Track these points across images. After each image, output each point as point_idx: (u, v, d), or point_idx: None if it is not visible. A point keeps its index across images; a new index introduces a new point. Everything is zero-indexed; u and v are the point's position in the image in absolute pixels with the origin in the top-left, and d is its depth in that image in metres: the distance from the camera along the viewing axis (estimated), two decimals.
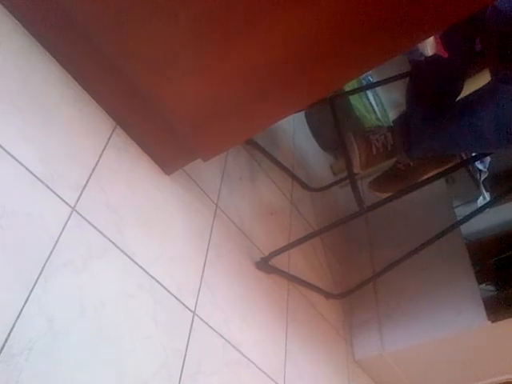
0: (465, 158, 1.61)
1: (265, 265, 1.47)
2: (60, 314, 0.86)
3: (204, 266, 1.25)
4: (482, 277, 1.82)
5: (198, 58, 1.00)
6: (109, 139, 1.11)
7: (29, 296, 0.82)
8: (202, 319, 1.17)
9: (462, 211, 1.97)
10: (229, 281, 1.32)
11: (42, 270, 0.86)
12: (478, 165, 2.21)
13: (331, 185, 2.02)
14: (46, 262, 0.87)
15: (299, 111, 1.93)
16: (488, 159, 2.21)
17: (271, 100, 1.09)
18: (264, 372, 1.31)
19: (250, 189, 1.62)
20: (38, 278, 0.85)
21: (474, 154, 1.62)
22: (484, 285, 1.96)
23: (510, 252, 2.16)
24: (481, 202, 2.25)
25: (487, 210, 1.68)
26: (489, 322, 1.62)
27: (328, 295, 1.78)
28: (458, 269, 1.79)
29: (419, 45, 1.29)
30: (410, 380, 1.96)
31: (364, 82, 2.14)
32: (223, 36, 0.96)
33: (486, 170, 2.24)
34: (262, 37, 0.96)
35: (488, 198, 2.24)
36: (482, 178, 2.25)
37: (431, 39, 1.27)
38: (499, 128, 1.20)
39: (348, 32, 0.95)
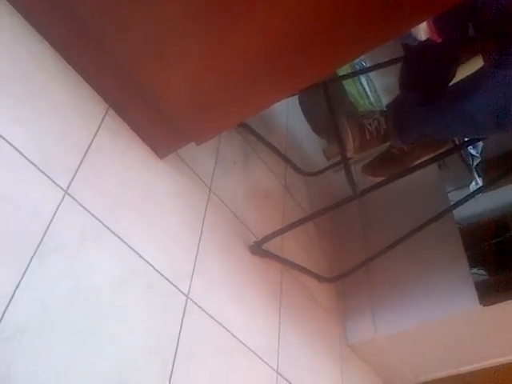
0: (458, 143, 1.61)
1: (258, 249, 1.47)
2: (53, 298, 0.86)
3: (197, 249, 1.25)
4: (474, 261, 1.83)
5: (191, 41, 0.99)
6: (101, 122, 1.10)
7: (21, 280, 0.82)
8: (195, 303, 1.17)
9: (454, 196, 1.98)
10: (222, 264, 1.32)
11: (35, 253, 0.86)
12: (471, 150, 2.21)
13: (325, 169, 2.02)
14: (38, 246, 0.87)
15: (293, 95, 1.92)
16: (480, 144, 2.22)
17: (265, 83, 1.08)
18: (257, 355, 1.32)
19: (243, 173, 1.62)
20: (30, 262, 0.84)
21: (466, 139, 1.63)
22: (476, 269, 1.98)
23: (502, 237, 2.17)
24: (473, 187, 2.26)
25: (480, 194, 1.69)
26: (480, 306, 1.63)
27: (321, 279, 1.78)
28: (451, 253, 1.80)
29: (413, 29, 1.28)
30: (402, 363, 1.98)
31: (358, 67, 2.13)
32: (217, 19, 0.95)
33: (478, 155, 2.25)
34: (258, 19, 0.95)
35: (480, 183, 2.25)
36: (475, 164, 2.26)
37: (424, 24, 1.26)
38: (492, 113, 1.20)
39: (344, 15, 0.94)
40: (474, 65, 1.37)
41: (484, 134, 1.42)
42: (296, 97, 2.11)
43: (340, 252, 2.02)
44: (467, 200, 1.60)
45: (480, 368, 2.01)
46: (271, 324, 1.43)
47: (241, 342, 1.27)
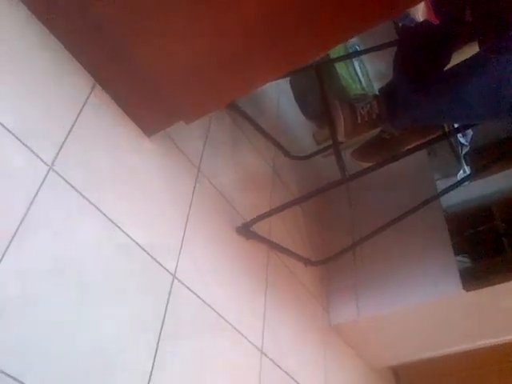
0: (448, 130, 1.61)
1: (246, 230, 1.47)
2: (35, 276, 0.85)
3: (184, 229, 1.24)
4: (458, 248, 1.85)
5: (180, 16, 0.97)
6: (88, 97, 1.08)
7: (2, 257, 0.80)
8: (181, 282, 1.16)
9: (442, 184, 1.98)
10: (209, 245, 1.32)
11: (17, 230, 0.84)
12: (460, 138, 2.21)
13: (314, 154, 2.01)
14: (21, 222, 0.85)
15: (284, 77, 1.90)
16: (470, 133, 2.22)
17: (256, 62, 1.07)
18: (242, 335, 1.32)
19: (232, 154, 1.60)
20: (12, 239, 0.83)
21: (456, 126, 1.62)
22: (460, 256, 1.99)
23: (485, 225, 2.19)
24: (461, 175, 2.27)
25: (466, 183, 1.70)
26: (463, 291, 1.66)
27: (307, 262, 1.79)
28: (436, 240, 1.82)
29: (410, 10, 1.27)
30: (384, 346, 2.00)
31: (351, 51, 2.11)
32: None
33: (467, 144, 2.25)
34: None
35: (468, 172, 2.26)
36: (464, 152, 2.26)
37: (422, 5, 1.25)
38: (486, 99, 1.19)
39: None
40: (470, 50, 1.36)
41: (477, 120, 1.41)
42: (287, 80, 2.09)
43: (327, 236, 2.02)
44: (455, 188, 1.61)
45: (461, 351, 2.05)
46: (257, 305, 1.44)
47: (226, 321, 1.27)
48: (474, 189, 2.31)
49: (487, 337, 1.98)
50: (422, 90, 1.34)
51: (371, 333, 1.90)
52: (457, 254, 1.81)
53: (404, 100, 1.38)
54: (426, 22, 1.23)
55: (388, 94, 1.45)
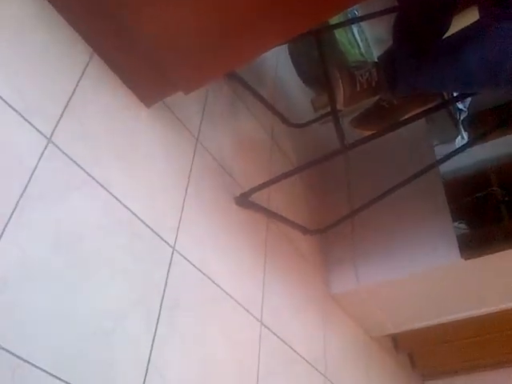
0: (447, 98, 1.59)
1: (244, 200, 1.46)
2: (35, 248, 0.85)
3: (184, 200, 1.23)
4: (456, 215, 1.85)
5: None
6: (86, 67, 1.06)
7: (4, 229, 0.80)
8: (181, 254, 1.17)
9: (441, 150, 1.98)
10: (208, 216, 1.32)
11: (18, 202, 0.84)
12: (458, 104, 2.20)
13: (312, 121, 1.99)
14: (21, 195, 0.85)
15: (283, 44, 1.87)
16: (468, 99, 2.20)
17: (254, 30, 1.05)
18: (242, 306, 1.33)
19: (231, 124, 1.59)
20: (13, 211, 0.83)
21: (456, 95, 1.61)
22: (457, 223, 2.00)
23: (484, 191, 2.20)
24: (459, 141, 2.26)
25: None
26: (462, 259, 1.67)
27: (306, 231, 1.79)
28: (434, 207, 1.82)
29: None
30: (383, 314, 2.03)
31: (349, 16, 2.07)
32: None
33: (465, 109, 2.24)
34: None
35: (466, 138, 2.25)
36: (462, 118, 2.25)
37: None
38: (487, 67, 1.18)
39: None
40: (471, 16, 1.33)
41: (476, 89, 1.40)
42: (286, 46, 2.06)
43: (325, 205, 2.03)
44: (454, 155, 1.60)
45: (460, 319, 2.07)
46: (256, 275, 1.45)
47: (226, 292, 1.28)
48: (471, 155, 2.30)
49: (486, 304, 2.00)
50: (421, 57, 1.33)
51: (370, 301, 1.92)
52: (454, 220, 1.81)
53: (403, 67, 1.36)
54: None
55: (387, 62, 1.43)
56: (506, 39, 1.13)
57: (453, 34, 1.32)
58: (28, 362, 0.77)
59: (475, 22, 1.24)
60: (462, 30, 1.27)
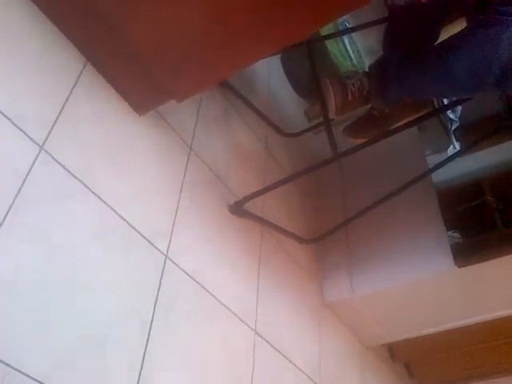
0: (438, 106, 1.61)
1: (238, 209, 1.47)
2: (27, 257, 0.85)
3: (177, 208, 1.24)
4: (449, 224, 1.86)
5: None
6: (79, 76, 1.07)
7: None
8: (174, 262, 1.17)
9: (433, 160, 1.99)
10: (202, 224, 1.32)
11: (9, 210, 0.84)
12: (450, 114, 2.22)
13: (306, 130, 2.00)
14: (12, 203, 0.85)
15: (275, 54, 1.89)
16: (459, 109, 2.23)
17: (246, 39, 1.06)
18: (236, 315, 1.33)
19: (224, 132, 1.60)
20: (4, 219, 0.82)
21: (446, 103, 1.63)
22: (451, 232, 2.01)
23: (477, 201, 2.21)
24: (451, 151, 2.28)
25: (457, 158, 1.71)
26: (455, 268, 1.67)
27: (300, 240, 1.80)
28: (428, 216, 1.83)
29: None
30: (378, 323, 2.02)
31: (341, 28, 2.10)
32: None
33: (456, 119, 2.26)
34: None
35: (458, 148, 2.27)
36: (453, 128, 2.27)
37: None
38: (473, 72, 1.20)
39: None
40: (459, 27, 1.35)
41: (465, 93, 1.41)
42: (278, 57, 2.08)
43: (319, 213, 2.03)
44: (445, 164, 1.62)
45: (455, 327, 2.07)
46: (250, 284, 1.44)
47: (219, 301, 1.28)
48: (464, 164, 2.32)
49: (481, 313, 1.99)
50: (410, 65, 1.34)
51: (365, 310, 1.91)
52: (448, 229, 1.82)
53: (393, 74, 1.38)
54: (414, 0, 1.23)
55: (377, 70, 1.45)
56: (491, 44, 1.15)
57: (440, 42, 1.34)
58: (18, 370, 0.77)
59: (462, 29, 1.27)
60: (449, 37, 1.30)
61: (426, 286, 1.79)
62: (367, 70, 1.54)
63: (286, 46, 1.13)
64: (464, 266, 1.67)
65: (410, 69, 1.34)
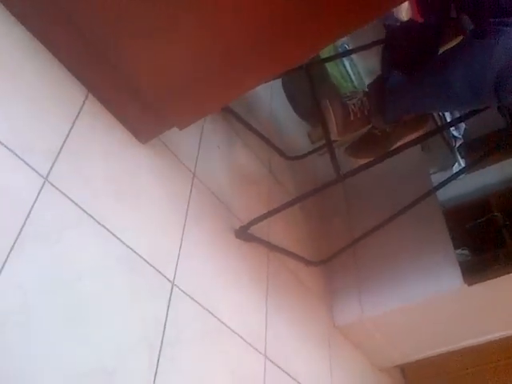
0: (440, 123, 1.61)
1: (244, 233, 1.47)
2: (34, 287, 0.85)
3: (182, 235, 1.24)
4: (458, 242, 1.85)
5: (169, 23, 0.97)
6: (81, 107, 1.08)
7: (2, 269, 0.80)
8: (180, 289, 1.16)
9: (438, 178, 1.99)
10: (208, 250, 1.31)
11: (15, 242, 0.84)
12: (453, 132, 2.23)
13: (309, 153, 2.01)
14: (18, 234, 0.85)
15: (275, 79, 1.91)
16: (463, 126, 2.23)
17: (245, 67, 1.07)
18: (245, 340, 1.32)
19: (227, 157, 1.61)
20: (10, 251, 0.83)
21: (449, 120, 1.63)
22: (460, 250, 2.00)
23: (484, 217, 2.20)
24: (456, 168, 2.28)
25: (462, 176, 1.70)
26: (465, 286, 1.65)
27: (308, 263, 1.79)
28: (435, 234, 1.82)
29: (394, 10, 1.28)
30: (390, 344, 1.99)
31: (340, 50, 2.12)
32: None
33: (460, 137, 2.26)
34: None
35: (463, 165, 2.27)
36: (457, 145, 2.27)
37: (406, 4, 1.26)
38: (470, 84, 1.20)
39: None
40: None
41: (460, 105, 1.42)
42: (279, 80, 2.10)
43: (326, 235, 2.03)
44: (450, 181, 1.61)
45: (469, 346, 2.04)
46: (258, 308, 1.43)
47: (228, 327, 1.27)
48: (470, 182, 2.32)
49: (494, 331, 1.97)
50: (408, 81, 1.35)
51: (376, 332, 1.89)
52: (456, 247, 1.81)
53: (392, 92, 1.39)
54: (410, 21, 1.24)
55: (376, 89, 1.46)
56: (486, 54, 1.16)
57: (437, 56, 1.36)
58: None
59: (460, 41, 1.28)
60: (446, 50, 1.31)
61: (437, 304, 1.77)
62: (366, 89, 1.55)
63: (285, 70, 1.14)
64: (474, 284, 1.66)
65: (409, 84, 1.35)
